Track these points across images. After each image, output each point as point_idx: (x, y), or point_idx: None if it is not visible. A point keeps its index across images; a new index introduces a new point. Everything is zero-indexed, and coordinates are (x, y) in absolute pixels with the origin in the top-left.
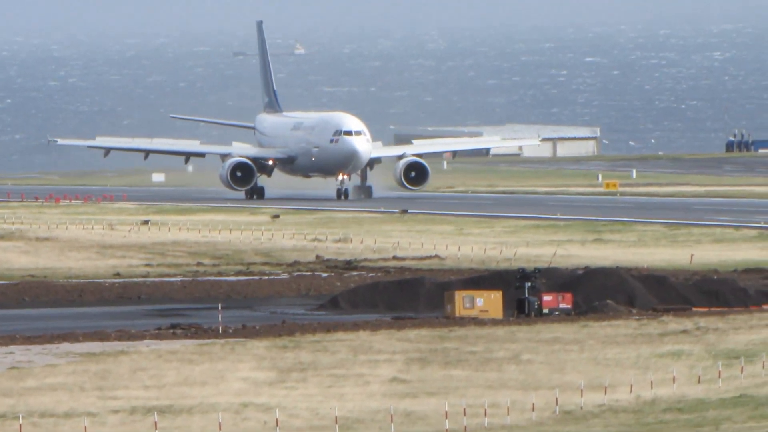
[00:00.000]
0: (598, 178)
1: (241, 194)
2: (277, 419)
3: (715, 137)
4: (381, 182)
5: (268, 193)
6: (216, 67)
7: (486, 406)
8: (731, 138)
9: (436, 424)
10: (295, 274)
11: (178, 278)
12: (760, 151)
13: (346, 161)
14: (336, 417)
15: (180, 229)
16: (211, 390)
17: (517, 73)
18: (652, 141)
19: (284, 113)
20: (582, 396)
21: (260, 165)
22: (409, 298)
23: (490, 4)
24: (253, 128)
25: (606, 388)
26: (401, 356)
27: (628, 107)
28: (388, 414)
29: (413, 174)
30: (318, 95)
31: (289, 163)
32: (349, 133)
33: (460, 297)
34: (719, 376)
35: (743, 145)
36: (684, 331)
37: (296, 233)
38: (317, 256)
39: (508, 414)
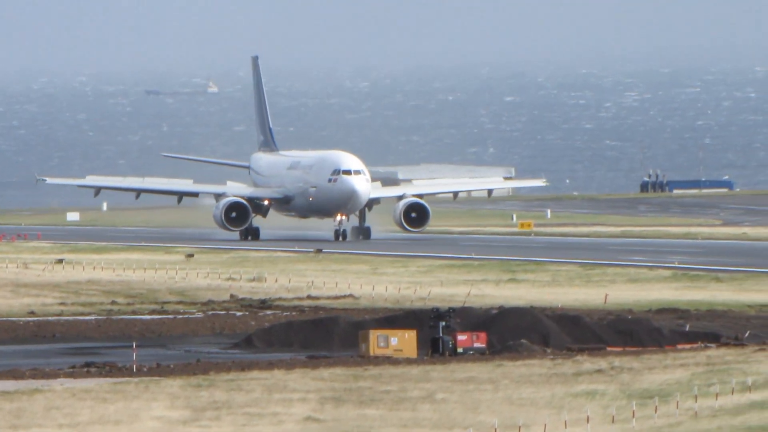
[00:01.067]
0: (512, 218)
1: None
2: None
3: (631, 177)
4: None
5: (263, 234)
6: (133, 106)
7: None
8: (646, 178)
9: None
10: (210, 313)
11: (92, 317)
12: (675, 191)
13: (344, 201)
14: None
15: (95, 267)
16: (124, 429)
17: (435, 112)
18: (567, 181)
19: (280, 152)
20: None
21: (255, 205)
22: (323, 337)
23: (408, 43)
24: (248, 167)
25: (520, 427)
26: (315, 395)
27: (545, 146)
28: None
29: (414, 215)
30: (233, 134)
31: (286, 203)
32: (348, 172)
33: (375, 336)
34: (633, 416)
35: (658, 185)
36: (598, 371)
37: (210, 272)
38: (231, 295)
39: None
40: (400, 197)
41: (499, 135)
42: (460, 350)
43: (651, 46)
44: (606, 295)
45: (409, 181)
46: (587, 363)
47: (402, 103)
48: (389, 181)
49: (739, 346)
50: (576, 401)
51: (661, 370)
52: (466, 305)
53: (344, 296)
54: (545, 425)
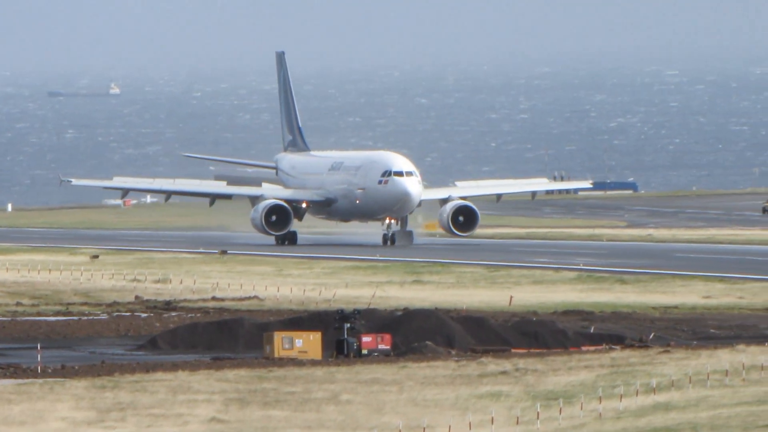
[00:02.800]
0: (418, 220)
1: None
2: None
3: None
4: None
5: (300, 238)
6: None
7: None
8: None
9: None
10: (115, 314)
11: None
12: (580, 193)
13: (396, 204)
14: None
15: None
16: (29, 430)
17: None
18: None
19: (313, 152)
20: None
21: (293, 208)
22: (228, 338)
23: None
24: (274, 168)
25: (425, 429)
26: (220, 396)
27: (451, 149)
28: None
29: (461, 219)
30: (138, 136)
31: (327, 206)
32: (399, 173)
33: (279, 338)
34: (538, 418)
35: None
36: (503, 373)
37: (116, 273)
38: (136, 297)
39: None
40: (446, 200)
41: (413, 136)
42: (364, 352)
43: (565, 49)
44: (511, 297)
45: None
46: (492, 364)
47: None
48: None
49: (643, 347)
50: (480, 402)
51: (565, 371)
52: (371, 307)
53: (249, 298)
54: (450, 426)
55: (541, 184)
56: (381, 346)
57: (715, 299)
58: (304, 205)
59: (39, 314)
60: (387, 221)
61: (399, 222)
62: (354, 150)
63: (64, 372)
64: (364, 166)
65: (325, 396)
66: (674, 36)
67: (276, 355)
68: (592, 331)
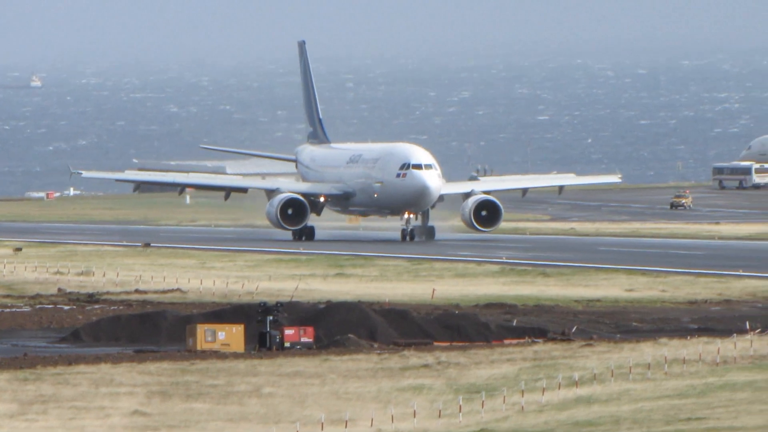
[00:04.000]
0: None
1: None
2: None
3: (461, 172)
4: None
5: (318, 233)
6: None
7: None
8: (474, 173)
9: None
10: (37, 306)
11: None
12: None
13: (414, 198)
14: None
15: None
16: None
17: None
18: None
19: (332, 144)
20: (322, 430)
21: (311, 202)
22: (151, 331)
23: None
24: (294, 161)
25: (347, 422)
26: (142, 389)
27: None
28: None
29: (484, 213)
30: (57, 128)
31: (345, 200)
32: (418, 166)
33: (202, 330)
34: (460, 411)
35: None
36: (425, 366)
37: (38, 266)
38: (59, 289)
39: None
40: (468, 194)
41: (344, 129)
42: (287, 345)
43: (482, 44)
44: (433, 290)
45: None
46: (414, 358)
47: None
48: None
49: (565, 341)
50: (403, 396)
51: (488, 364)
52: (293, 300)
53: (172, 290)
54: (372, 419)
55: (567, 179)
56: (303, 339)
57: (638, 292)
58: (321, 199)
59: None
60: (406, 216)
61: (421, 217)
62: (373, 142)
63: None
64: (382, 159)
65: (247, 389)
66: (608, 29)
67: (199, 347)
68: (514, 324)
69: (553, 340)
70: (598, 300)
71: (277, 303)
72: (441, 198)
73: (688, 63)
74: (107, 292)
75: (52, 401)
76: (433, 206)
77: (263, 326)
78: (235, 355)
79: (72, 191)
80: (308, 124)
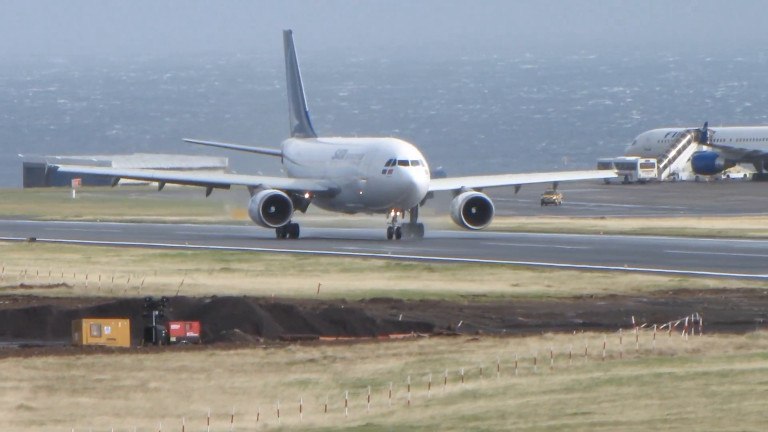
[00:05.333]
0: (225, 208)
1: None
2: None
3: None
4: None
5: (302, 231)
6: None
7: None
8: None
9: None
10: None
11: None
12: None
13: (400, 195)
14: None
15: None
16: None
17: (154, 100)
18: (281, 171)
19: (319, 139)
20: (208, 424)
21: (295, 199)
22: (36, 326)
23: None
24: (280, 155)
25: (233, 416)
26: (28, 384)
27: (258, 135)
28: None
29: (474, 210)
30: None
31: (330, 197)
32: (405, 162)
33: (88, 325)
34: (346, 405)
35: None
36: (311, 360)
37: None
38: None
39: None
40: (458, 191)
41: (217, 127)
42: (173, 339)
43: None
44: (319, 285)
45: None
46: (300, 352)
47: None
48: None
49: (451, 335)
50: (289, 390)
51: (373, 359)
52: (179, 294)
53: (57, 285)
54: (258, 414)
55: (562, 175)
56: (189, 334)
57: (524, 287)
58: (306, 195)
59: None
60: (392, 213)
61: (410, 214)
62: (360, 137)
63: None
64: (368, 154)
65: (133, 383)
66: (501, 24)
67: (84, 342)
68: (400, 318)
69: (439, 334)
70: (484, 295)
71: (163, 298)
72: (430, 195)
73: (577, 57)
74: None
75: None
76: (421, 203)
77: (149, 321)
78: (121, 350)
79: None
80: (294, 116)
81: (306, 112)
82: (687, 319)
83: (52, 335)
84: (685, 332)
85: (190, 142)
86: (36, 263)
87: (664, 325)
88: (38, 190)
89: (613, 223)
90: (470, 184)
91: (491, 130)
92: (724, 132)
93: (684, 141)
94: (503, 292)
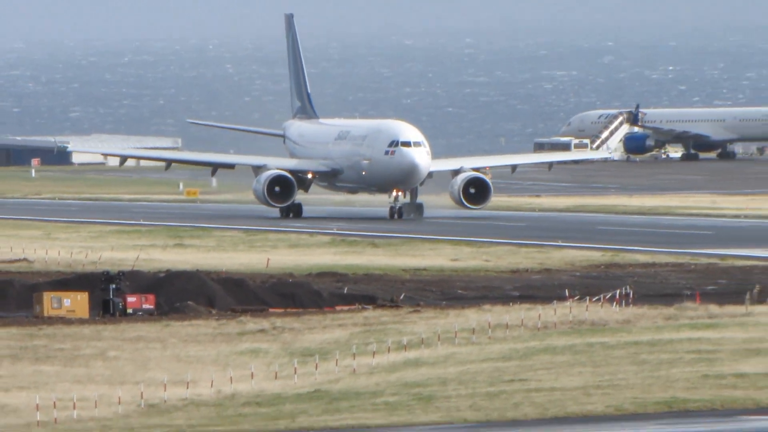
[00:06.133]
0: (179, 187)
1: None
2: None
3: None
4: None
5: (306, 210)
6: None
7: (75, 399)
8: None
9: (27, 417)
10: None
11: None
12: None
13: (403, 176)
14: None
15: None
16: None
17: (112, 83)
18: (231, 151)
19: (321, 120)
20: (165, 391)
21: (298, 179)
22: (0, 298)
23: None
24: (282, 136)
25: (188, 383)
26: None
27: (214, 117)
28: None
29: (473, 191)
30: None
31: (332, 177)
32: (407, 144)
33: (48, 298)
34: (295, 373)
35: None
36: (261, 331)
37: None
38: None
39: (96, 407)
40: (457, 171)
41: (165, 109)
42: (129, 311)
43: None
44: (268, 260)
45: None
46: (250, 323)
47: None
48: None
49: (394, 307)
50: (241, 359)
51: (321, 330)
52: (135, 269)
53: (19, 260)
54: (212, 381)
55: (557, 156)
56: (145, 306)
57: (463, 262)
58: (309, 176)
59: None
60: (394, 193)
61: (409, 194)
62: (363, 118)
63: None
64: (371, 136)
65: (92, 352)
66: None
67: (45, 314)
68: (345, 291)
69: (383, 306)
70: (425, 269)
71: (119, 272)
72: (430, 175)
73: (519, 43)
74: None
75: None
76: (421, 183)
77: (106, 294)
78: (81, 321)
79: None
80: (296, 98)
81: (308, 95)
82: (618, 291)
83: (15, 308)
84: (616, 304)
85: (195, 123)
86: None
87: (596, 297)
88: None
89: (547, 201)
90: (469, 164)
91: (437, 112)
92: (655, 114)
93: (616, 122)
94: (443, 267)
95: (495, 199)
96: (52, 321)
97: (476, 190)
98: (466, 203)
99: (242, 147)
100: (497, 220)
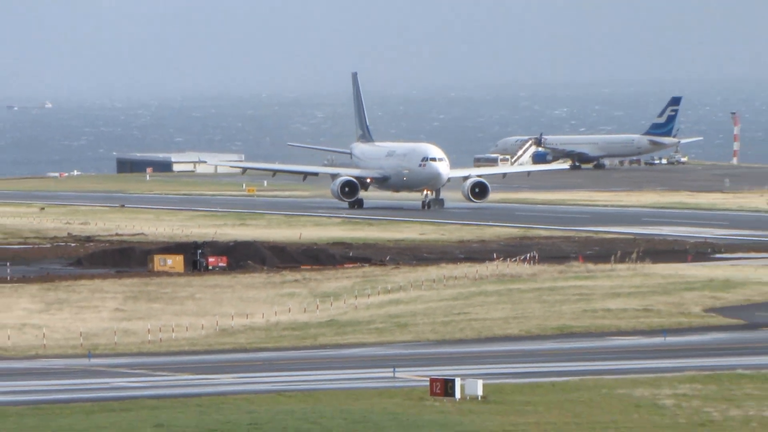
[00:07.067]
0: (243, 187)
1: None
2: (44, 333)
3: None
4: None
5: (366, 203)
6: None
7: (173, 326)
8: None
9: (142, 337)
10: (55, 244)
11: None
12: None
13: (431, 181)
14: (81, 332)
15: None
16: (2, 315)
17: None
18: (276, 162)
19: (376, 143)
20: (233, 320)
21: (361, 182)
22: (126, 259)
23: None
24: (349, 153)
25: (247, 315)
26: (121, 295)
27: (267, 142)
28: (113, 330)
29: (477, 190)
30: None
31: (383, 182)
32: (434, 159)
33: (157, 259)
34: (317, 308)
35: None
36: (296, 281)
37: (55, 219)
38: (68, 233)
39: (187, 331)
40: (466, 177)
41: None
42: (210, 267)
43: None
44: (300, 234)
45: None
46: (288, 276)
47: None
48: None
49: (382, 265)
50: (282, 299)
51: (335, 280)
52: (213, 239)
53: (138, 234)
54: (263, 314)
55: (540, 167)
56: (220, 264)
57: (427, 236)
58: (368, 180)
59: (8, 243)
60: (425, 192)
61: (434, 192)
62: (403, 142)
63: (25, 279)
64: (409, 154)
65: (185, 295)
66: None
67: (155, 269)
68: (351, 255)
69: (375, 264)
70: (402, 240)
71: (204, 242)
72: (449, 180)
73: (457, 94)
74: (98, 235)
75: (65, 302)
76: (443, 185)
77: (195, 256)
78: (178, 274)
79: (76, 172)
80: (359, 128)
81: (367, 126)
82: (528, 255)
83: (136, 265)
84: (527, 263)
85: (293, 145)
86: (124, 220)
87: (514, 258)
88: (125, 175)
89: (447, 194)
90: (474, 173)
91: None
92: (553, 139)
93: (527, 144)
94: (414, 239)
95: (450, 194)
96: (159, 274)
97: (479, 190)
98: (472, 199)
99: (289, 160)
100: (451, 209)
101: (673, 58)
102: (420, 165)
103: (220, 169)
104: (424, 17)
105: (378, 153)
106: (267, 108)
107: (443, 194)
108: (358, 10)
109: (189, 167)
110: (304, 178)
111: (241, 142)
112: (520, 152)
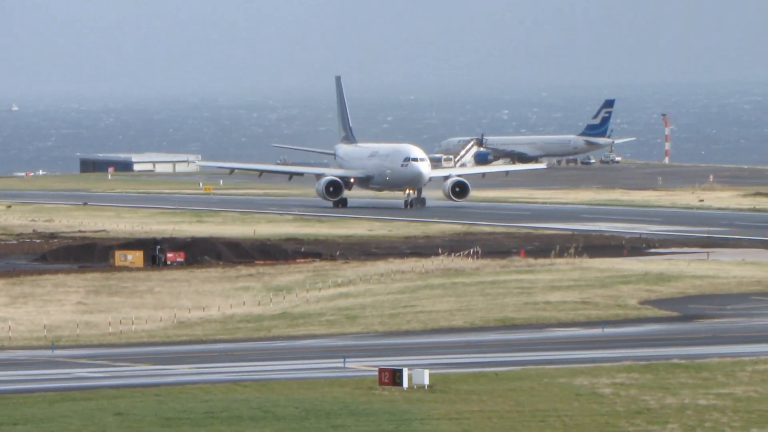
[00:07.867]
0: (200, 185)
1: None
2: (9, 326)
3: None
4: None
5: (350, 202)
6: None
7: (133, 318)
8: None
9: (103, 329)
10: (21, 240)
11: None
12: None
13: (413, 180)
14: (45, 324)
15: None
16: None
17: None
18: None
19: (359, 144)
20: (190, 312)
21: (344, 182)
22: (88, 254)
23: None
24: (333, 154)
25: (204, 308)
26: (83, 289)
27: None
28: (75, 323)
29: (458, 189)
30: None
31: (367, 181)
32: (415, 159)
33: (118, 254)
34: (271, 302)
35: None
36: (250, 275)
37: (21, 216)
38: (33, 230)
39: (146, 323)
40: (447, 177)
41: (194, 134)
42: (169, 263)
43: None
44: (254, 230)
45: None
46: (243, 270)
47: None
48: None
49: (333, 260)
50: (237, 293)
51: (287, 274)
52: (172, 236)
53: (101, 230)
54: (219, 306)
55: (515, 166)
56: (178, 259)
57: (375, 232)
58: (352, 180)
59: None
60: (407, 191)
61: (416, 191)
62: (385, 143)
63: None
64: (392, 154)
65: (145, 288)
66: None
67: (116, 264)
68: (303, 250)
69: (325, 259)
70: (352, 236)
71: (162, 238)
72: (430, 179)
73: (408, 97)
74: (62, 232)
75: (30, 296)
76: (424, 185)
77: (154, 251)
78: (138, 269)
79: (41, 172)
80: (342, 130)
81: (350, 128)
82: (471, 249)
83: (98, 260)
84: (471, 258)
85: (279, 147)
86: (87, 218)
87: (458, 253)
88: (88, 174)
89: (429, 194)
90: (455, 173)
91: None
92: (494, 139)
93: (469, 145)
94: (363, 235)
95: (398, 193)
96: (120, 269)
97: (460, 189)
98: (453, 198)
99: (243, 159)
100: (394, 207)
101: (609, 64)
102: (402, 165)
103: (178, 168)
104: (377, 23)
105: (361, 153)
106: (224, 110)
107: (425, 193)
108: (315, 14)
109: (149, 167)
110: (290, 178)
111: (199, 143)
112: (462, 152)
